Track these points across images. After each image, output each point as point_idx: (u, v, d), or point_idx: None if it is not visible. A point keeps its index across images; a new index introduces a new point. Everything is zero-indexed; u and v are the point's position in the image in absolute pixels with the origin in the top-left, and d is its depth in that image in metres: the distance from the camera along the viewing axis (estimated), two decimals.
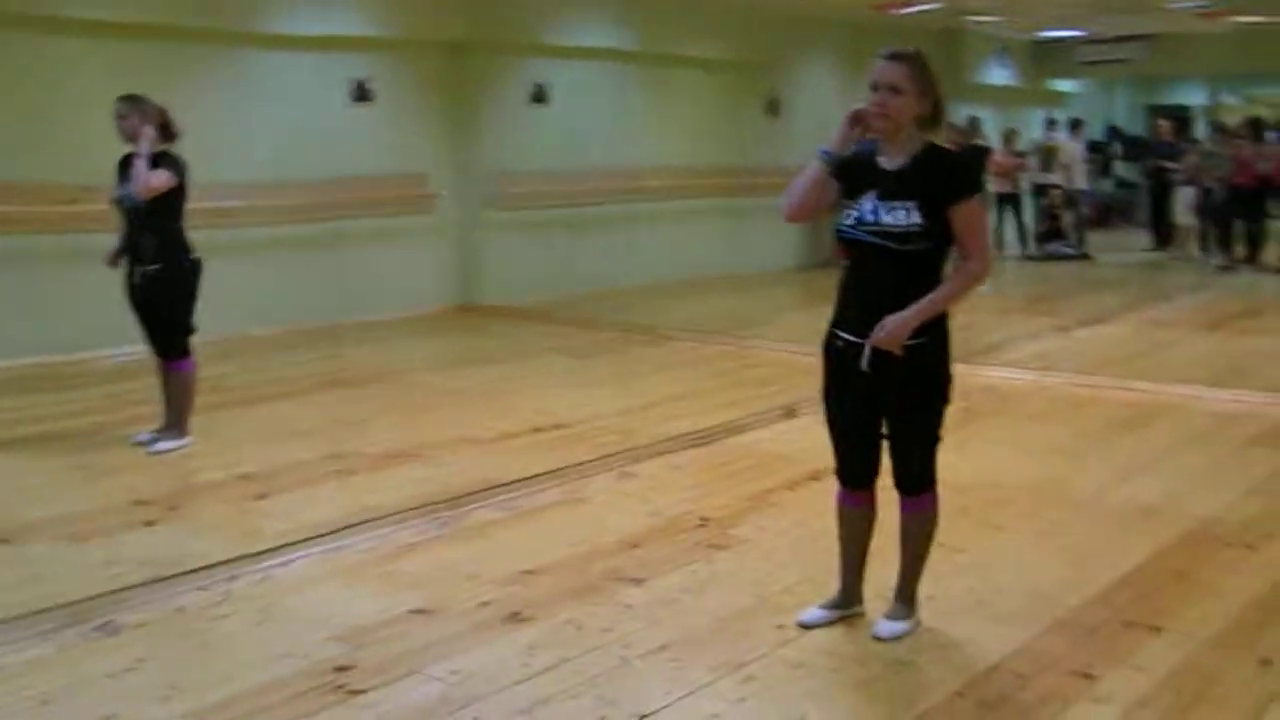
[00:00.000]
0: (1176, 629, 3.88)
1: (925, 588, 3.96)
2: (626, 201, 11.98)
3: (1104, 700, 3.39)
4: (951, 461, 5.66)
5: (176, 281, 5.99)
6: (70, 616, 3.99)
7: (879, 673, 3.58)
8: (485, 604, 4.12)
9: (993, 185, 14.46)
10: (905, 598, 3.89)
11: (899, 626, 3.82)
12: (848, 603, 3.96)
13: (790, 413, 6.85)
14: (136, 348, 6.54)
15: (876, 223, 3.59)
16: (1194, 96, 20.96)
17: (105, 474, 5.70)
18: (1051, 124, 16.02)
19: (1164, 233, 15.67)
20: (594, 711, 3.34)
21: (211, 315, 6.38)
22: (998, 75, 16.79)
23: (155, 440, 6.07)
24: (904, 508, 3.83)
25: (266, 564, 4.51)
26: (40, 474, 5.74)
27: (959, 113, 14.62)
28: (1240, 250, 14.14)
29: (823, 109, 14.62)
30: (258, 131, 9.55)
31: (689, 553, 4.62)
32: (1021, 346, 8.79)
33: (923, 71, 3.64)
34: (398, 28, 10.29)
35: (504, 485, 5.46)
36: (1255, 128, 13.94)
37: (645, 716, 3.31)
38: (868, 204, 3.62)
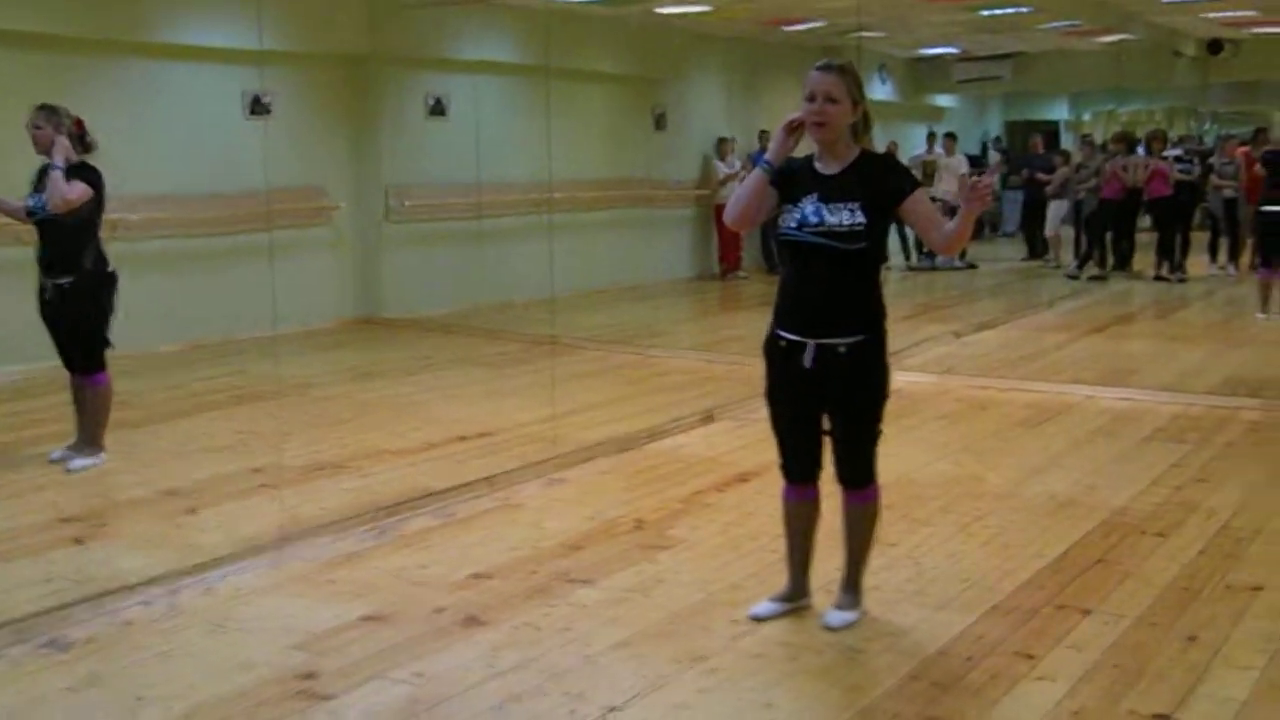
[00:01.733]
0: (1106, 610, 4.09)
1: (867, 579, 4.11)
2: (525, 214, 12.03)
3: (1048, 678, 3.57)
4: None
5: (92, 293, 5.86)
6: (14, 634, 3.91)
7: (835, 660, 3.71)
8: (439, 610, 4.15)
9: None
10: (852, 588, 4.04)
11: (848, 616, 3.96)
12: (796, 595, 4.09)
13: (709, 418, 6.98)
14: (29, 365, 6.38)
15: (820, 223, 3.73)
16: (1059, 112, 21.79)
17: (23, 493, 5.56)
18: (931, 138, 16.51)
19: (1039, 242, 16.27)
20: (564, 706, 3.40)
21: (113, 330, 6.26)
22: (880, 91, 17.24)
23: (71, 457, 5.93)
24: (849, 500, 3.98)
25: (207, 576, 4.46)
26: None
27: None
28: (1111, 259, 14.75)
29: (709, 123, 14.92)
30: (153, 143, 9.38)
31: (631, 554, 4.70)
32: (922, 351, 9.07)
33: (854, 82, 3.81)
34: (296, 41, 10.19)
35: (437, 493, 5.47)
36: (1126, 142, 14.55)
37: (615, 709, 3.38)
38: (809, 206, 3.76)
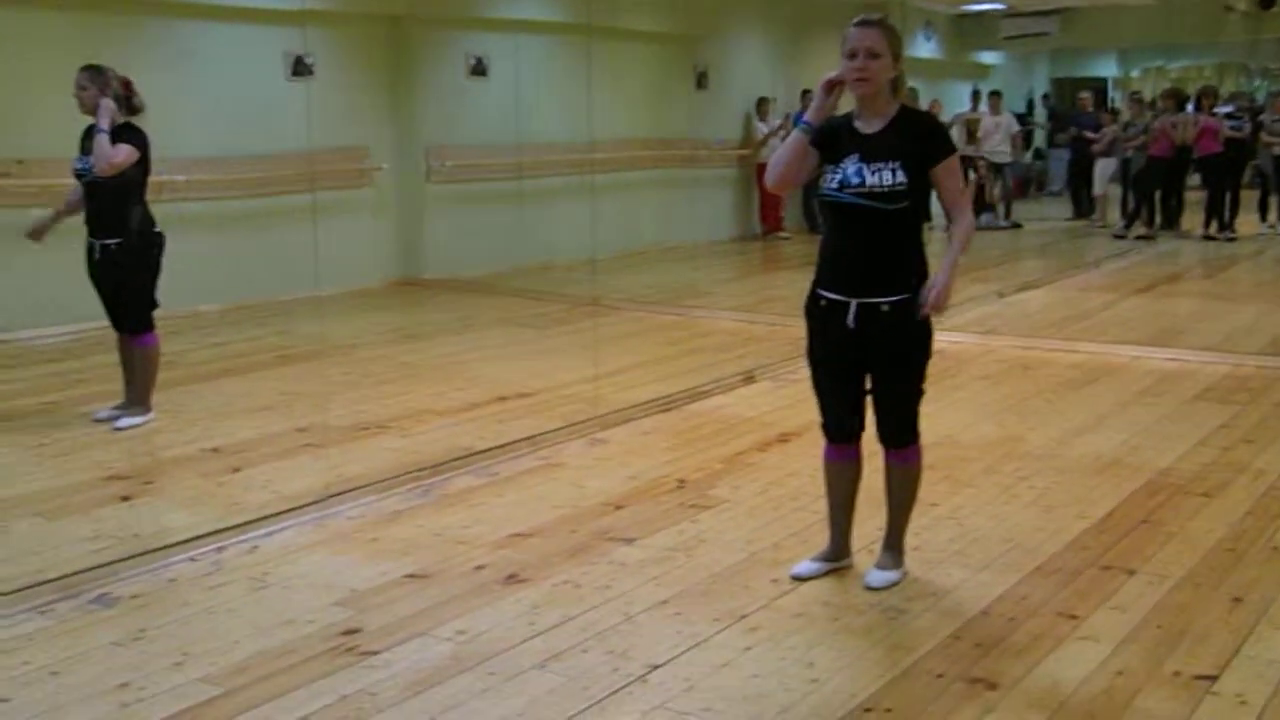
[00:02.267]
0: (1150, 571, 4.06)
1: (909, 540, 4.09)
2: (567, 174, 12.00)
3: (1091, 639, 3.54)
4: None
5: (139, 255, 5.90)
6: (62, 590, 3.97)
7: (877, 620, 3.71)
8: (480, 567, 4.17)
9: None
10: (894, 548, 4.02)
11: (890, 575, 3.95)
12: (837, 555, 4.08)
13: (750, 378, 6.96)
14: (78, 326, 6.44)
15: (862, 184, 3.70)
16: (1107, 69, 21.46)
17: (71, 451, 5.63)
18: (976, 96, 16.29)
19: (1085, 201, 16.06)
20: (607, 664, 3.41)
21: (160, 291, 6.32)
22: (924, 48, 17.04)
23: (118, 416, 6.00)
24: (891, 460, 3.96)
25: (252, 534, 4.51)
26: (1, 454, 5.65)
27: None
28: (1159, 218, 14.55)
29: (751, 82, 14.79)
30: (195, 105, 9.40)
31: (673, 513, 4.71)
32: (964, 312, 8.98)
33: (893, 36, 3.77)
34: (336, 0, 10.18)
35: (480, 453, 5.50)
36: (1176, 99, 14.30)
37: (658, 667, 3.39)
38: (851, 166, 3.73)
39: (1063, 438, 5.72)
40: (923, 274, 3.80)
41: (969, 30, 18.38)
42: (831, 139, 3.80)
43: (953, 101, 17.01)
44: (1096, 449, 5.50)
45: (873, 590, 3.90)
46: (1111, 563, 4.13)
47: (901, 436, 3.91)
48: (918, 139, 3.74)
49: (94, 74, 5.77)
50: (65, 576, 4.06)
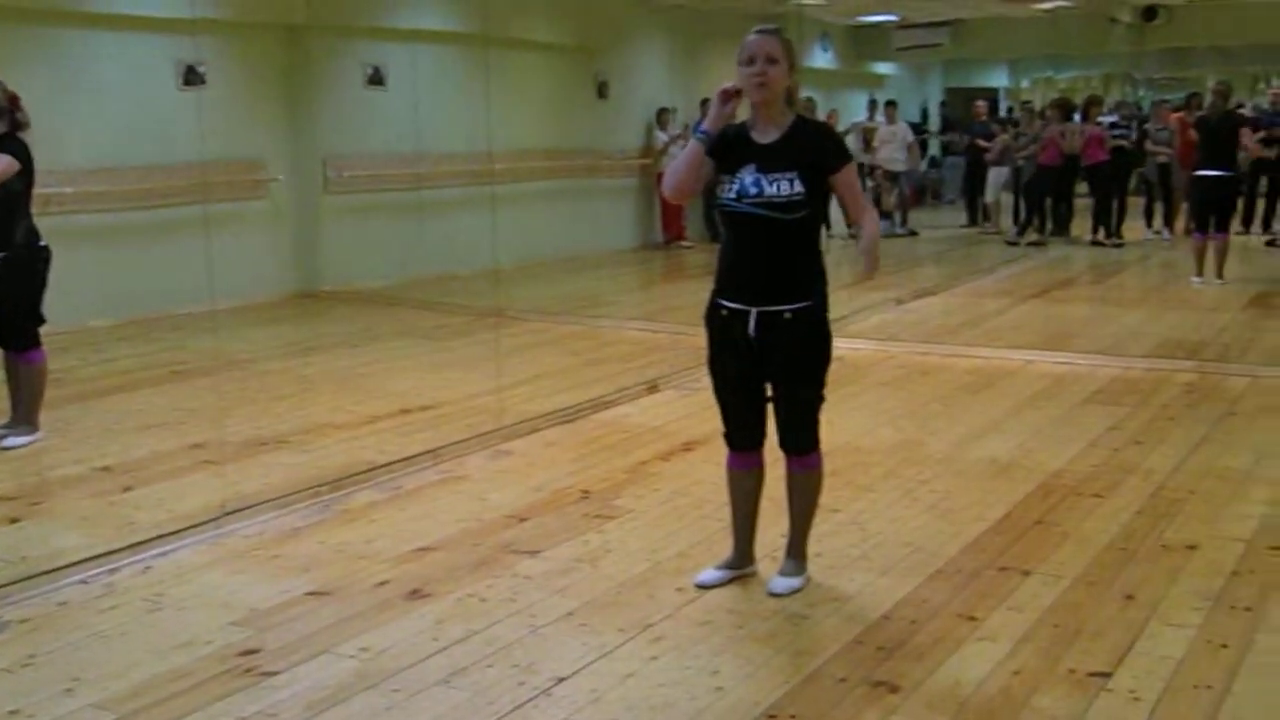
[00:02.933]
0: (1045, 571, 4.14)
1: (811, 545, 4.13)
2: (467, 184, 11.92)
3: (990, 639, 3.61)
4: None
5: (23, 269, 5.73)
6: None
7: (781, 626, 3.73)
8: (383, 583, 4.12)
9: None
10: (797, 554, 4.06)
11: (793, 582, 3.98)
12: (741, 563, 4.10)
13: (653, 387, 6.98)
14: None
15: (760, 194, 3.73)
16: (998, 79, 21.96)
17: None
18: (872, 105, 16.56)
19: (978, 209, 16.40)
20: (512, 678, 3.39)
21: (46, 306, 6.13)
22: (820, 59, 17.28)
23: (4, 435, 5.82)
24: (793, 468, 3.99)
25: (146, 555, 4.39)
26: None
27: None
28: (1049, 224, 14.90)
29: (651, 92, 14.86)
30: (85, 115, 9.19)
31: (577, 524, 4.69)
32: (863, 319, 9.12)
33: (789, 46, 3.82)
34: (229, 9, 10.01)
35: (381, 467, 5.43)
36: (1063, 109, 14.67)
37: (564, 679, 3.38)
38: (748, 176, 3.76)
39: (960, 441, 5.82)
40: (822, 282, 3.85)
41: (864, 41, 18.70)
42: (728, 148, 3.82)
43: (849, 111, 17.27)
44: (993, 452, 5.61)
45: (776, 597, 3.92)
46: (1008, 564, 4.22)
47: (802, 444, 3.94)
48: (814, 149, 3.78)
49: None
50: None
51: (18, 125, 5.67)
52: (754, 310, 3.79)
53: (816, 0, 14.83)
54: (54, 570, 4.22)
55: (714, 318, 3.92)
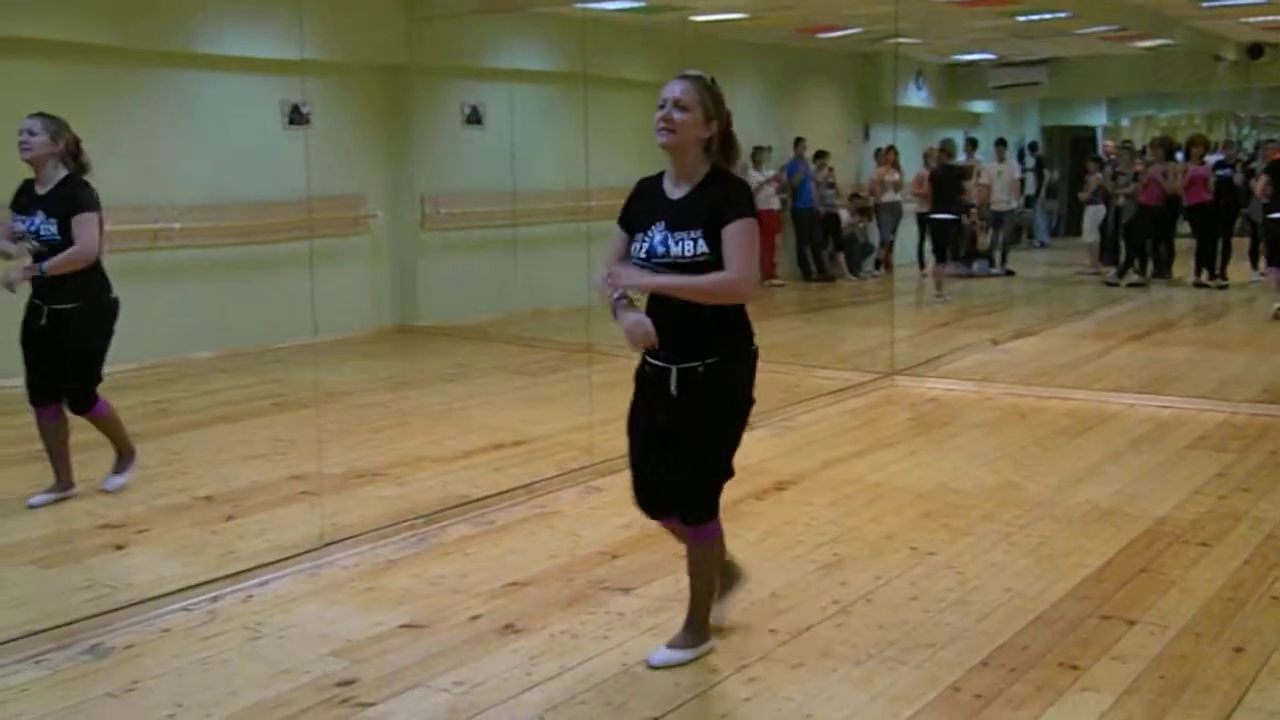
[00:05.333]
0: (1150, 621, 4.04)
1: (907, 588, 4.08)
2: (561, 221, 12.03)
3: (1093, 689, 3.52)
4: (908, 469, 5.86)
5: (95, 321, 5.45)
6: (55, 640, 3.94)
7: (876, 670, 3.68)
8: (476, 617, 4.15)
9: (917, 205, 14.79)
10: (689, 625, 3.82)
11: (675, 655, 3.74)
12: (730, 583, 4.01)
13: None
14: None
15: (666, 254, 3.58)
16: (1097, 118, 21.62)
17: (63, 498, 5.59)
18: (972, 144, 16.39)
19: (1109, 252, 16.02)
20: (604, 716, 3.39)
21: (150, 339, 6.12)
22: (915, 97, 17.17)
23: (112, 477, 5.83)
24: (691, 539, 3.78)
25: (247, 584, 4.48)
26: None
27: (885, 136, 14.97)
28: (1150, 265, 14.61)
29: (745, 132, 14.84)
30: (193, 153, 9.46)
31: (669, 562, 4.65)
32: (960, 358, 9.00)
33: (709, 94, 3.66)
34: (335, 51, 10.25)
35: (475, 501, 5.48)
36: (1165, 147, 14.41)
37: (656, 719, 3.36)
38: (657, 235, 3.61)
39: (1059, 485, 5.71)
40: (740, 336, 3.67)
41: (960, 79, 18.53)
42: (641, 203, 3.71)
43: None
44: (1093, 497, 5.50)
45: (652, 669, 3.68)
46: (1112, 612, 4.12)
47: (699, 512, 3.71)
48: (715, 201, 3.57)
49: (48, 122, 5.32)
50: (59, 626, 4.02)
51: (82, 168, 5.46)
52: (674, 369, 3.62)
53: (913, 39, 14.75)
54: (157, 597, 4.31)
55: (640, 374, 3.76)
